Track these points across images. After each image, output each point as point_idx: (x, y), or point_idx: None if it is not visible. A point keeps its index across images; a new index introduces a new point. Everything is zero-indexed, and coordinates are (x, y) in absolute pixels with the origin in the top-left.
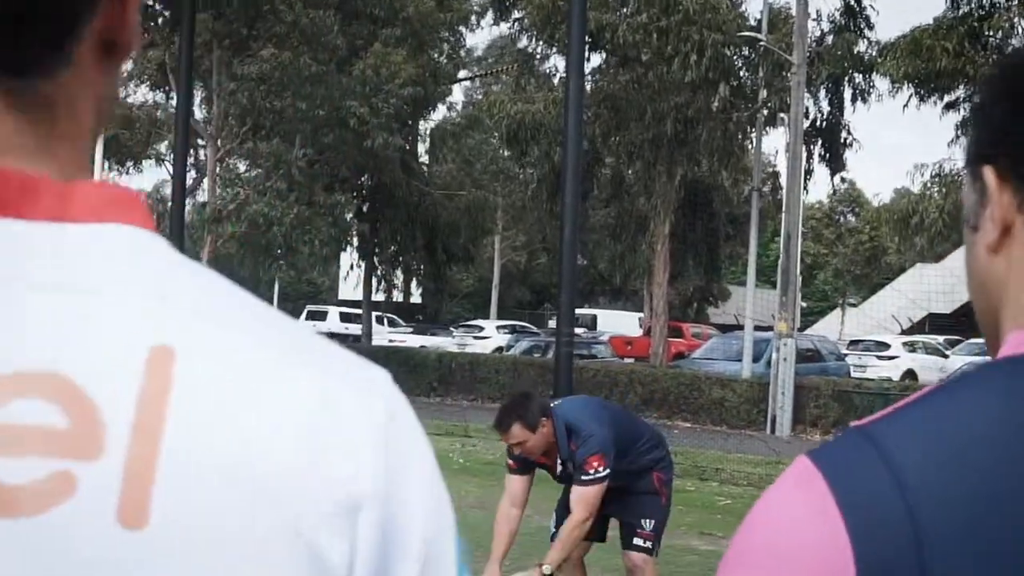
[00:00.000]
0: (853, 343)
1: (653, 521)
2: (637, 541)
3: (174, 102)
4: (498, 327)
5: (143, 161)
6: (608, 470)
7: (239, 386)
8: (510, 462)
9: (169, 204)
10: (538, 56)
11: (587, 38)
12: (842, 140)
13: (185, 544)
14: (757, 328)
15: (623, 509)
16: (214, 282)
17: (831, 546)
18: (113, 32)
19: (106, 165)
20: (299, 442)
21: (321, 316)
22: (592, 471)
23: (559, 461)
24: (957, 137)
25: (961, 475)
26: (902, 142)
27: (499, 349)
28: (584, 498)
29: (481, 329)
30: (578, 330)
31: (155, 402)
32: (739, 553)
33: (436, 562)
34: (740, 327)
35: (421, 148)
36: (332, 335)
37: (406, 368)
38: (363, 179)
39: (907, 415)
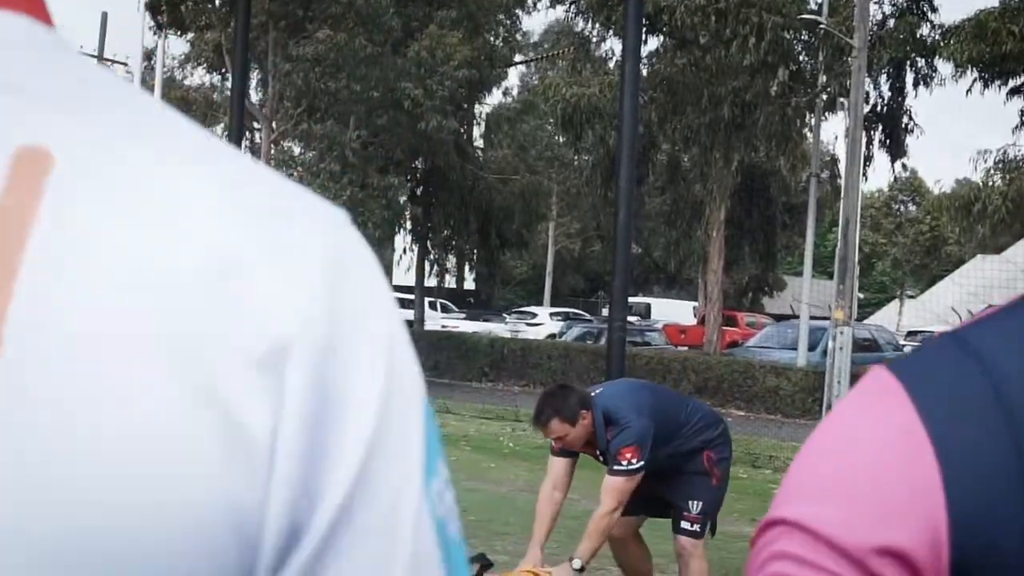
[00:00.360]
0: (911, 334)
1: (700, 503)
2: (684, 525)
3: (230, 84)
4: (551, 314)
5: None
6: (642, 463)
7: (135, 202)
8: (553, 444)
9: None
10: (594, 39)
11: (644, 21)
12: (903, 126)
13: (48, 384)
14: (812, 318)
15: (672, 491)
16: (122, 88)
17: (915, 472)
18: None
19: None
20: (209, 276)
21: None
22: (625, 462)
23: (598, 452)
24: (1022, 123)
25: None
26: (965, 130)
27: (552, 336)
28: (613, 488)
29: (534, 316)
30: (631, 318)
31: (18, 211)
32: (798, 483)
33: (392, 440)
34: (795, 317)
35: (476, 132)
36: None
37: (458, 353)
38: (417, 162)
39: (1004, 321)
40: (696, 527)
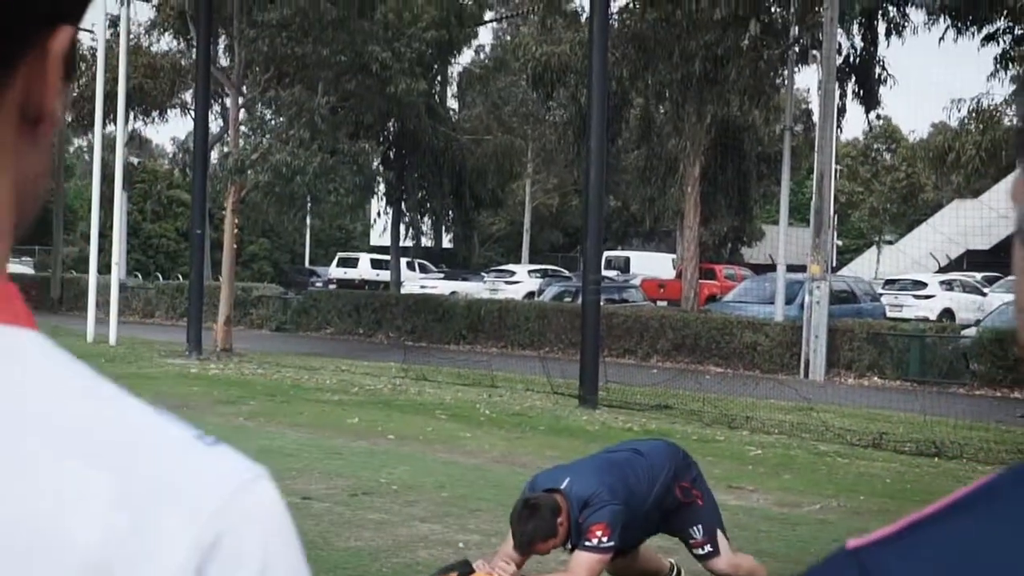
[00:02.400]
0: (889, 283)
1: (700, 526)
2: (697, 552)
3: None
4: (530, 271)
5: (168, 111)
6: (612, 543)
7: (24, 492)
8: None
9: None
10: None
11: None
12: (876, 76)
13: None
14: (792, 269)
15: (669, 529)
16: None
17: None
18: (34, 102)
19: (131, 115)
20: (76, 562)
21: (352, 263)
22: (595, 539)
23: (569, 544)
24: (995, 71)
25: None
26: (939, 75)
27: (531, 294)
28: (581, 565)
29: (513, 274)
30: (610, 273)
31: None
32: None
33: None
34: (775, 267)
35: (448, 92)
36: (364, 282)
37: (435, 316)
38: (388, 126)
39: (920, 539)
40: (708, 548)
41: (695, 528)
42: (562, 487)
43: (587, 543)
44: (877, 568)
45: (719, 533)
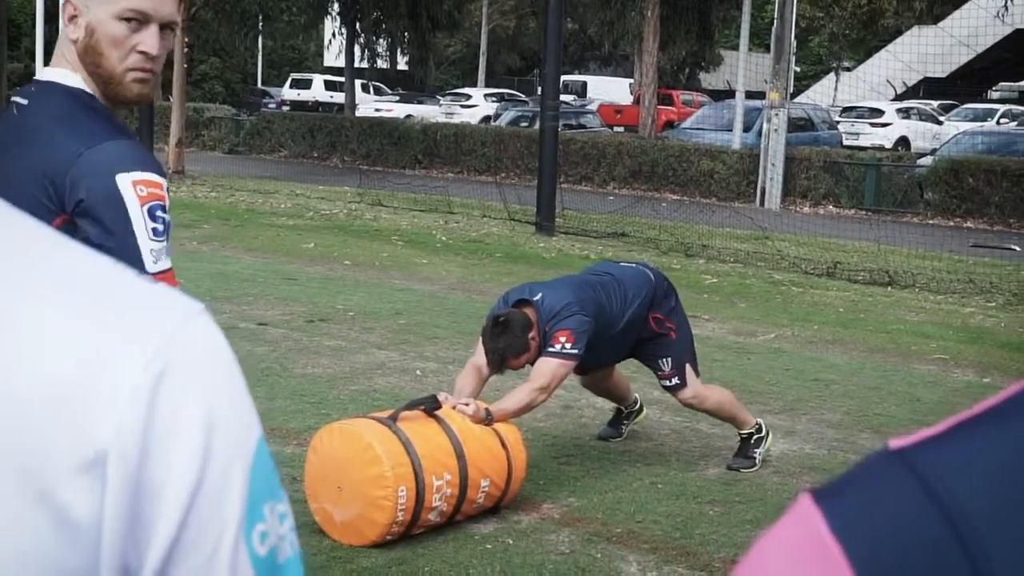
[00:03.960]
0: (846, 110)
1: (668, 359)
2: (665, 383)
3: None
4: (486, 95)
5: None
6: (576, 350)
7: None
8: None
9: None
10: None
11: None
12: None
13: None
14: (749, 95)
15: (640, 357)
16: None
17: None
18: None
19: None
20: (43, 392)
21: (306, 84)
22: (558, 345)
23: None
24: None
25: None
26: None
27: (487, 118)
28: (545, 369)
29: (468, 97)
30: (567, 97)
31: None
32: None
33: (205, 508)
34: (732, 93)
35: None
36: (318, 104)
37: (390, 140)
38: None
39: (976, 441)
40: (676, 380)
41: (664, 360)
42: (534, 299)
43: (550, 348)
44: (930, 471)
45: (687, 367)
